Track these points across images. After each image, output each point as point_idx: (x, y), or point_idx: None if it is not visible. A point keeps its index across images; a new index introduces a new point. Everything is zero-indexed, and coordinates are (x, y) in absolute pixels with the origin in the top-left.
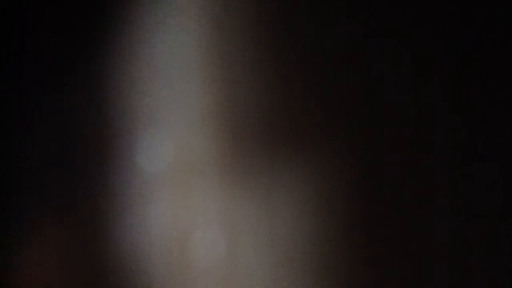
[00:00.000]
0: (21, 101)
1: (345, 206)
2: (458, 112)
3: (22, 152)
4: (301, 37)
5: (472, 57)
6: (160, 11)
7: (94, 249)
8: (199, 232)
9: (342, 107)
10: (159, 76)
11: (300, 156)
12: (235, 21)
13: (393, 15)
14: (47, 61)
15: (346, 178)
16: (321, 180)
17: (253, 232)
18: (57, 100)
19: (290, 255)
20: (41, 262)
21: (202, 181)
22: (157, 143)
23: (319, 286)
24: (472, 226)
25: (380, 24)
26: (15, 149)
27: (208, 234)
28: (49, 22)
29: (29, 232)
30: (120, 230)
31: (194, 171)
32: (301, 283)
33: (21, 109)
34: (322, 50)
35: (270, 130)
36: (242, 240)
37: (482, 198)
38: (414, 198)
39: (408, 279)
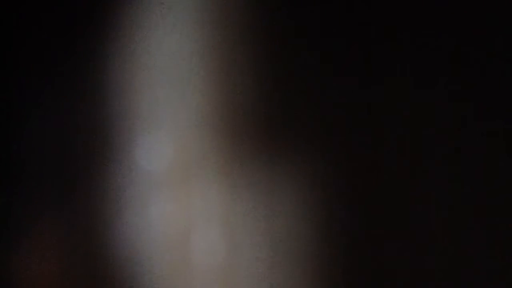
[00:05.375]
0: (21, 101)
1: (345, 206)
2: (458, 112)
3: (22, 152)
4: (301, 39)
5: (472, 58)
6: (160, 13)
7: (94, 248)
8: (199, 232)
9: (342, 108)
10: (159, 77)
11: (299, 157)
12: (235, 24)
13: (391, 16)
14: (46, 62)
15: (346, 178)
16: (320, 181)
17: (253, 232)
18: (57, 100)
19: (290, 255)
20: (41, 261)
21: (202, 181)
22: (157, 143)
23: (318, 286)
24: (472, 226)
25: (379, 26)
26: (15, 149)
27: (208, 234)
28: (47, 23)
29: (29, 232)
30: (120, 230)
31: (194, 171)
32: (300, 283)
33: (21, 109)
34: (321, 51)
35: (269, 130)
36: (242, 240)
37: (482, 198)
38: (414, 198)
39: (408, 279)
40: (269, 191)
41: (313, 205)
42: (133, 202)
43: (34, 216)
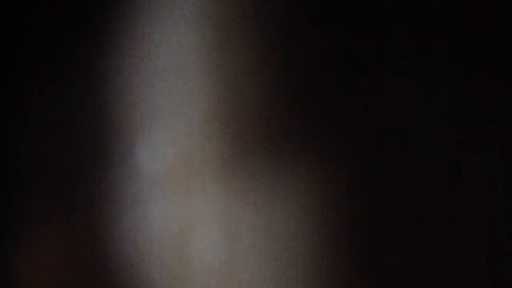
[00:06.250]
0: (21, 102)
1: (345, 206)
2: (458, 112)
3: (22, 153)
4: (302, 38)
5: (471, 58)
6: (161, 13)
7: (94, 249)
8: (199, 232)
9: (342, 108)
10: (159, 77)
11: (299, 157)
12: (236, 24)
13: (389, 16)
14: (46, 62)
15: (346, 178)
16: (320, 181)
17: (253, 232)
18: (57, 101)
19: (290, 255)
20: (41, 262)
21: (202, 182)
22: (157, 143)
23: (318, 286)
24: (472, 226)
25: (379, 26)
26: (15, 150)
27: (208, 234)
28: (48, 23)
29: (29, 232)
30: (120, 230)
31: (194, 172)
32: (300, 283)
33: (21, 110)
34: (322, 52)
35: (269, 130)
36: (242, 240)
37: (482, 198)
38: (414, 198)
39: (408, 279)
40: (270, 191)
41: (314, 206)
42: (133, 202)
43: (35, 216)
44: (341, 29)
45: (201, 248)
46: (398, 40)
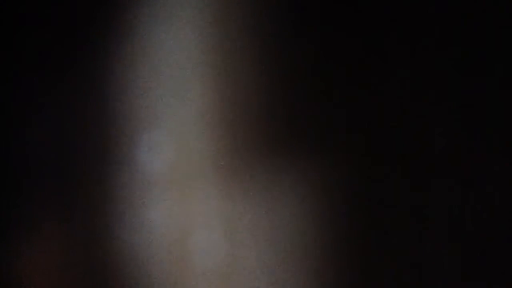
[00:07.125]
0: (21, 101)
1: (345, 207)
2: (458, 113)
3: (22, 153)
4: (301, 37)
5: (471, 58)
6: (160, 11)
7: (94, 250)
8: (199, 232)
9: (342, 108)
10: (159, 77)
11: (299, 157)
12: (235, 22)
13: (391, 13)
14: (46, 61)
15: (346, 179)
16: (320, 181)
17: (253, 232)
18: (57, 100)
19: (290, 255)
20: (41, 263)
21: (202, 182)
22: (157, 143)
23: (318, 286)
24: (472, 227)
25: (379, 25)
26: (15, 150)
27: (208, 234)
28: (48, 22)
29: (29, 232)
30: (120, 231)
31: (194, 172)
32: (301, 284)
33: (21, 109)
34: (323, 50)
35: (269, 130)
36: (242, 240)
37: (482, 198)
38: (414, 198)
39: (408, 279)
40: (270, 191)
41: (315, 205)
42: (133, 202)
43: (35, 216)
44: (341, 32)
45: (201, 248)
46: (398, 40)
